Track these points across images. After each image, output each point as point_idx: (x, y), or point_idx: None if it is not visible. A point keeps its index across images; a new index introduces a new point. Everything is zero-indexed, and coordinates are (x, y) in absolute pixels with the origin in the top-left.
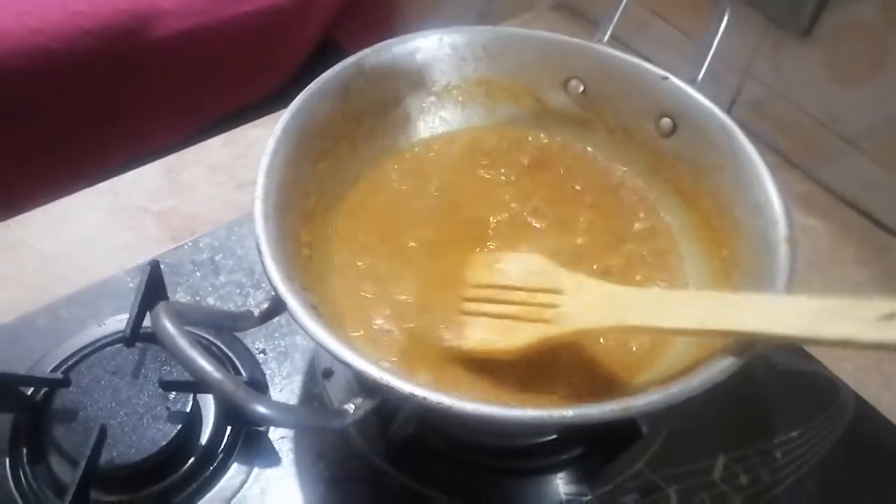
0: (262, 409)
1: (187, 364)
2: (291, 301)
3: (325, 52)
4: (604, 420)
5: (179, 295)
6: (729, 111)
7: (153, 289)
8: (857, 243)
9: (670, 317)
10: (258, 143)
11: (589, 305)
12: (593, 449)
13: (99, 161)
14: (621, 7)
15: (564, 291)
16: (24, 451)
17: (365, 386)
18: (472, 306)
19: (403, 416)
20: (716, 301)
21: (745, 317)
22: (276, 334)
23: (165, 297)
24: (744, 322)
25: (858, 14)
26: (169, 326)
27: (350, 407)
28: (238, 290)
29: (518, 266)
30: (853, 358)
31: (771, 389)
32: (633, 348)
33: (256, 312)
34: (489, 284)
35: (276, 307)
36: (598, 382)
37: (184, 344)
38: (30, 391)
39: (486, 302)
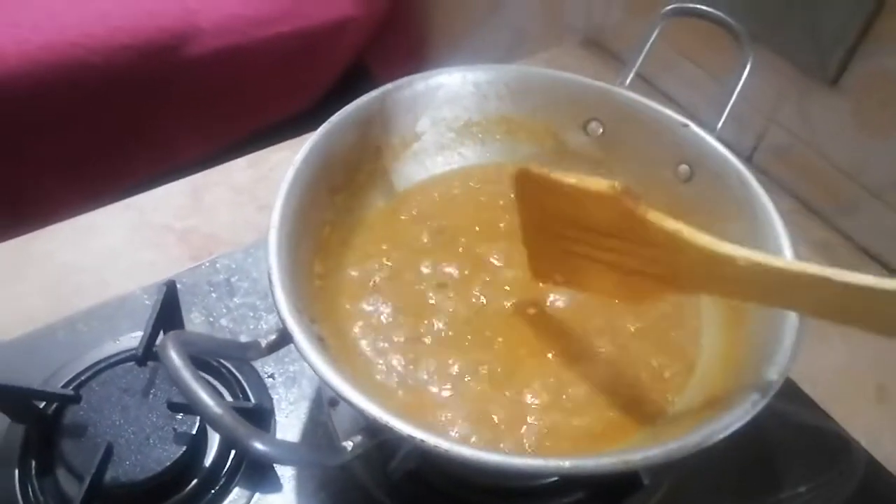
0: (259, 445)
1: (188, 396)
2: (298, 334)
3: (356, 77)
4: (600, 472)
5: (194, 315)
6: (751, 156)
7: (168, 309)
8: None
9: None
10: (281, 166)
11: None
12: (594, 495)
13: (127, 175)
14: (645, 51)
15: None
16: (33, 463)
17: (365, 424)
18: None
19: (404, 452)
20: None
21: None
22: (287, 359)
23: (180, 318)
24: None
25: (888, 64)
26: (174, 358)
27: (349, 444)
28: (251, 314)
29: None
30: (866, 413)
31: (779, 442)
32: (666, 374)
33: (264, 343)
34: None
35: (283, 339)
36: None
37: (187, 376)
38: (42, 405)
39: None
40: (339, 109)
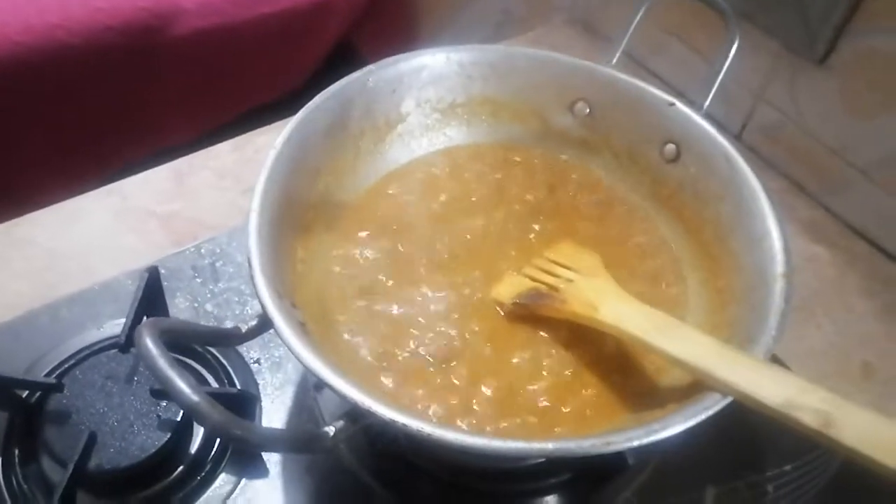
0: (239, 432)
1: (165, 384)
2: (278, 320)
3: (343, 56)
4: (584, 455)
5: (178, 300)
6: (740, 135)
7: (151, 295)
8: (862, 274)
9: (656, 337)
10: (265, 150)
11: (593, 290)
12: (581, 475)
13: (114, 157)
14: (631, 29)
15: (580, 271)
16: (17, 451)
17: (348, 408)
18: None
19: (391, 435)
20: (705, 345)
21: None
22: (272, 344)
23: (164, 304)
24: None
25: (876, 44)
26: (150, 346)
27: (331, 430)
28: (236, 298)
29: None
30: (851, 391)
31: (763, 421)
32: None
33: (244, 329)
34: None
35: (264, 324)
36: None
37: (162, 364)
38: (25, 393)
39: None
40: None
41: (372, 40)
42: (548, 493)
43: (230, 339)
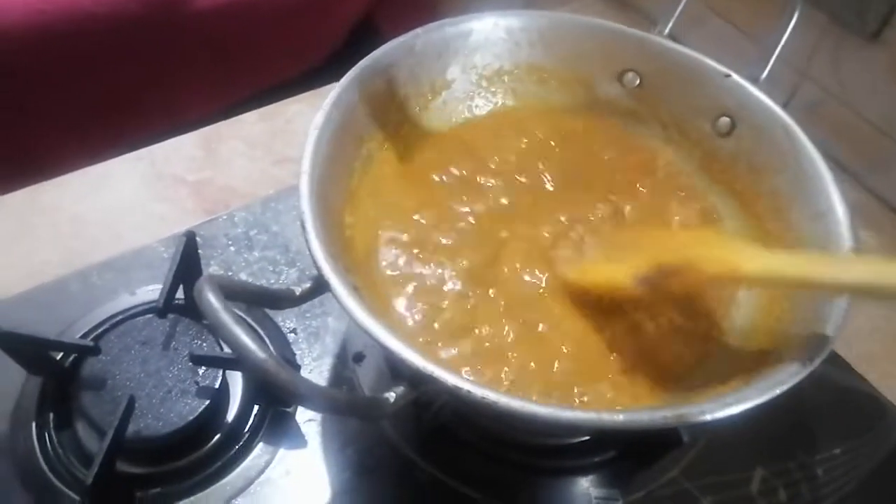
0: (304, 391)
1: (230, 340)
2: (335, 282)
3: (364, 34)
4: (656, 427)
5: (213, 269)
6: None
7: (188, 260)
8: None
9: (820, 270)
10: (297, 119)
11: (720, 248)
12: (628, 453)
13: (136, 128)
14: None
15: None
16: (51, 416)
17: (405, 375)
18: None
19: (437, 406)
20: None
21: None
22: (308, 315)
23: (199, 270)
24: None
25: None
26: (213, 300)
27: (391, 396)
28: (271, 267)
29: None
30: None
31: (814, 404)
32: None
33: (298, 292)
34: None
35: (319, 287)
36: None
37: (227, 319)
38: (59, 356)
39: None
40: (347, 67)
41: (394, 18)
42: (593, 471)
43: (283, 301)
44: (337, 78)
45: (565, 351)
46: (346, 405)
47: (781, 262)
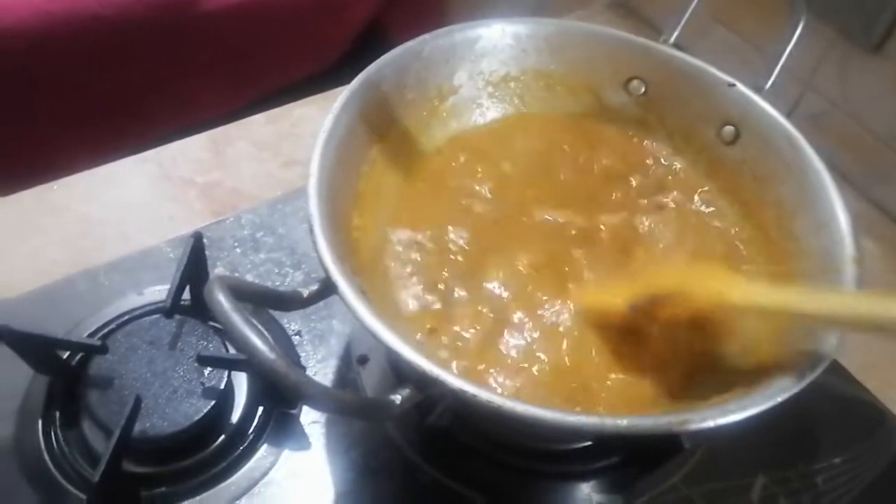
0: (313, 392)
1: (240, 341)
2: (343, 284)
3: (372, 38)
4: (657, 433)
5: (219, 270)
6: None
7: (195, 261)
8: None
9: (803, 302)
10: (305, 122)
11: (709, 280)
12: (630, 459)
13: (144, 131)
14: (691, 8)
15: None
16: (58, 415)
17: (412, 378)
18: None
19: (441, 409)
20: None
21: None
22: (314, 317)
23: (206, 271)
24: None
25: None
26: (223, 301)
27: (397, 397)
28: (277, 270)
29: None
30: None
31: (815, 413)
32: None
33: (305, 293)
34: None
35: (326, 289)
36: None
37: (237, 320)
38: (66, 355)
39: None
40: (355, 71)
41: (403, 22)
42: (595, 477)
43: (291, 303)
44: (345, 81)
45: (568, 361)
46: (354, 406)
47: (766, 296)
